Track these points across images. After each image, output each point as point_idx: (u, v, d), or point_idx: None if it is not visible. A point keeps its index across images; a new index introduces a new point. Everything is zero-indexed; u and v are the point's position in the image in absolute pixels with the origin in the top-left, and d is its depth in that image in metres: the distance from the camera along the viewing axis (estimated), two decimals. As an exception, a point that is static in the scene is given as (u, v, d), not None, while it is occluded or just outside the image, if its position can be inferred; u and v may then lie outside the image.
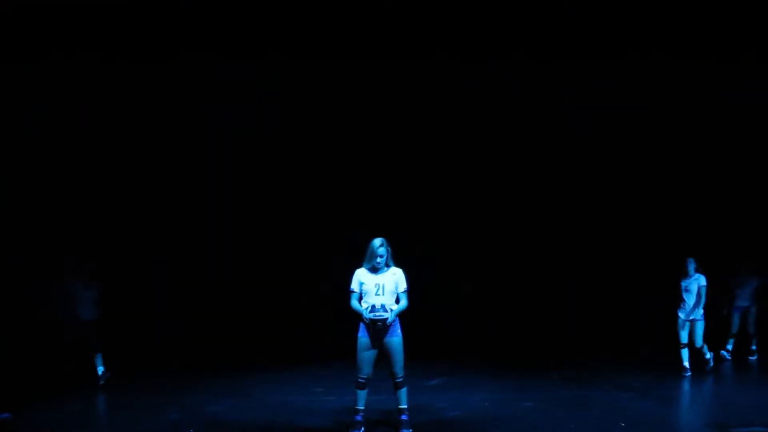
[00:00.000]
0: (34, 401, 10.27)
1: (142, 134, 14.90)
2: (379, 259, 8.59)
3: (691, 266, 12.30)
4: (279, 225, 15.70)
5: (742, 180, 15.77)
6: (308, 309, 14.90)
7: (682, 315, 12.36)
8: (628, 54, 13.75)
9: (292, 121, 15.22)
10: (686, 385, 11.49)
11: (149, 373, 11.01)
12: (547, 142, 15.64)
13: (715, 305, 13.29)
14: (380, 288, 8.58)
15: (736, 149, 15.48)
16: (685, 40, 13.35)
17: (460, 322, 15.24)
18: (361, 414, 8.74)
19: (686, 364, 12.16)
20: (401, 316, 8.67)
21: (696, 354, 12.28)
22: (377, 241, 8.63)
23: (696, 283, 12.25)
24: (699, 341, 12.27)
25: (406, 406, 8.75)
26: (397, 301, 8.67)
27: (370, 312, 8.45)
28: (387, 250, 8.65)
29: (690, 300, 12.27)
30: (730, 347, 13.69)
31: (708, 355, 12.42)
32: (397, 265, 8.76)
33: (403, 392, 8.72)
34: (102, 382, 11.68)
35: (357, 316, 8.63)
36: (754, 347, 13.82)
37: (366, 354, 8.61)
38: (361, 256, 8.74)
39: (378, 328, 8.50)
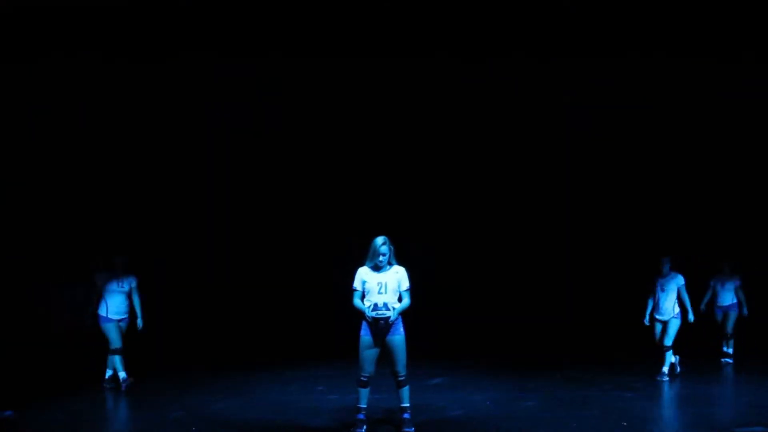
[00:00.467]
0: (36, 400, 10.24)
1: (142, 134, 14.91)
2: (381, 258, 8.57)
3: (667, 265, 11.94)
4: (279, 224, 15.72)
5: (735, 179, 15.80)
6: (310, 307, 14.91)
7: (657, 315, 11.97)
8: (628, 54, 13.79)
9: (292, 121, 15.23)
10: (687, 385, 11.46)
11: (151, 372, 10.97)
12: (548, 142, 15.67)
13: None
14: (383, 286, 8.56)
15: (734, 149, 15.51)
16: (685, 40, 13.37)
17: (461, 321, 15.26)
18: (363, 412, 8.72)
19: (665, 368, 11.77)
20: (404, 314, 8.65)
21: (662, 352, 11.84)
22: (379, 240, 8.61)
23: (673, 282, 11.86)
24: (669, 340, 11.84)
25: (408, 405, 8.72)
26: (400, 300, 8.66)
27: (373, 310, 8.43)
28: (389, 249, 8.63)
29: (665, 301, 11.86)
30: (730, 350, 13.37)
31: (673, 359, 11.99)
32: (400, 263, 8.76)
33: (405, 391, 8.70)
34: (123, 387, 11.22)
35: (359, 314, 8.61)
36: (730, 350, 13.42)
37: (368, 352, 8.59)
38: (363, 255, 8.74)
39: (380, 327, 8.48)
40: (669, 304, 11.86)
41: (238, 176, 15.53)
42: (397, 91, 14.65)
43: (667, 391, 11.02)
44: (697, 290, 13.02)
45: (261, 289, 15.15)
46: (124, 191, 15.11)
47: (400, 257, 8.75)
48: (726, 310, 13.45)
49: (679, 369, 12.08)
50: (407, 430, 8.61)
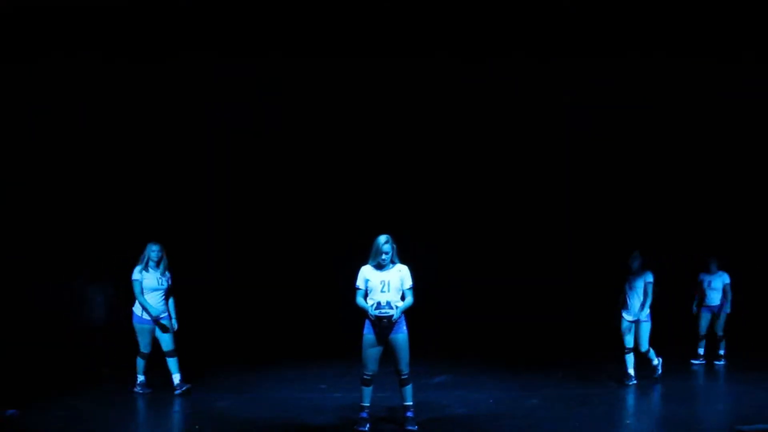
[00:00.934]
0: (41, 398, 10.22)
1: (142, 134, 14.89)
2: (384, 256, 8.55)
3: (636, 261, 11.20)
4: (280, 223, 15.71)
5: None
6: (313, 306, 14.91)
7: (626, 316, 11.22)
8: (628, 54, 13.83)
9: (292, 121, 15.23)
10: (690, 382, 11.48)
11: (154, 370, 10.96)
12: (547, 141, 15.68)
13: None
14: (386, 285, 8.56)
15: (733, 148, 15.53)
16: (685, 41, 13.41)
17: (463, 319, 15.27)
18: (367, 411, 8.71)
19: (631, 371, 11.14)
20: (407, 313, 8.66)
21: (643, 359, 11.27)
22: (382, 238, 8.60)
23: (642, 280, 11.13)
24: (644, 345, 11.16)
25: (411, 403, 8.72)
26: (403, 298, 8.66)
27: (376, 309, 8.42)
28: (392, 247, 8.61)
29: (634, 299, 11.17)
30: (702, 351, 12.89)
31: (655, 361, 11.34)
32: (403, 262, 8.76)
33: (409, 389, 8.70)
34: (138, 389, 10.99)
35: (362, 313, 8.61)
36: (722, 351, 12.87)
37: (371, 351, 8.59)
38: (365, 254, 8.74)
39: (383, 325, 8.47)
40: (636, 303, 11.19)
41: (238, 176, 15.51)
42: (398, 91, 14.72)
43: (671, 389, 11.00)
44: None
45: (263, 288, 15.13)
46: (124, 191, 15.06)
47: (403, 256, 8.74)
48: (715, 311, 12.87)
49: (660, 371, 11.39)
50: (410, 428, 8.62)
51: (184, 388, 10.42)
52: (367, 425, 8.66)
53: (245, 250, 15.52)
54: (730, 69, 13.92)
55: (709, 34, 13.26)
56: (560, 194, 16.01)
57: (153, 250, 10.57)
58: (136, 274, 10.50)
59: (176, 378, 10.52)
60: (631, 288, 11.20)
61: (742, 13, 12.80)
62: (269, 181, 15.65)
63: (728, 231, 15.48)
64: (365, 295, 8.64)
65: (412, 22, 13.17)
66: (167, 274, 10.65)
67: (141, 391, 10.54)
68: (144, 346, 10.56)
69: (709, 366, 12.71)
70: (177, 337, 10.66)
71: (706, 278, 12.87)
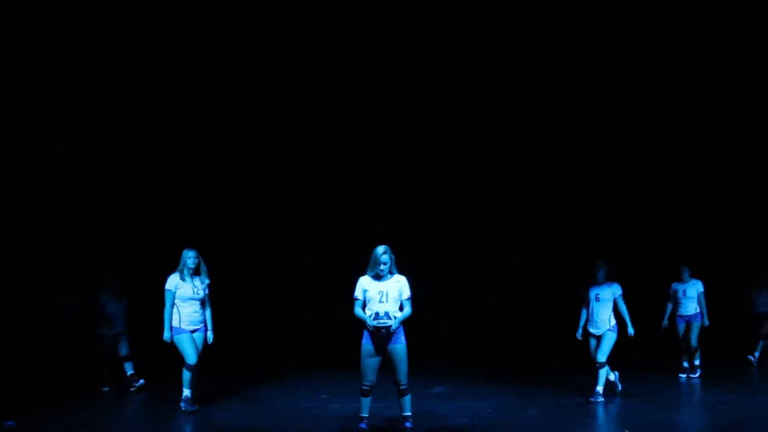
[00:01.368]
0: (40, 408, 10.24)
1: (142, 134, 14.85)
2: (382, 267, 8.56)
3: (602, 272, 10.65)
4: (282, 233, 15.69)
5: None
6: (312, 316, 14.91)
7: (591, 329, 10.66)
8: (628, 54, 13.90)
9: (291, 121, 15.23)
10: (690, 392, 11.44)
11: (155, 380, 10.98)
12: (547, 141, 15.67)
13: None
14: (384, 295, 8.56)
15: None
16: (684, 40, 13.45)
17: (462, 328, 15.26)
18: (366, 421, 8.71)
19: (599, 388, 10.50)
20: (405, 323, 8.65)
21: (596, 372, 10.63)
22: (380, 249, 8.60)
23: (609, 291, 10.56)
24: (603, 355, 10.49)
25: (410, 414, 8.71)
26: (401, 309, 8.66)
27: (374, 319, 8.42)
28: (390, 258, 8.62)
29: (599, 311, 10.54)
30: (686, 363, 12.43)
31: (612, 376, 10.81)
32: (401, 272, 8.76)
33: (408, 399, 8.69)
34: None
35: (361, 323, 8.61)
36: (697, 362, 12.39)
37: (370, 361, 8.59)
38: (365, 263, 8.74)
39: (382, 336, 8.47)
40: (604, 316, 10.54)
41: (237, 176, 15.50)
42: (398, 91, 14.78)
43: (668, 397, 10.98)
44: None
45: (263, 297, 15.16)
46: (123, 192, 15.06)
47: (401, 266, 8.75)
48: (689, 321, 12.38)
49: (620, 387, 10.90)
50: (409, 438, 8.62)
51: (191, 408, 9.98)
52: (367, 436, 8.66)
53: (247, 257, 15.51)
54: (731, 69, 13.94)
55: (709, 34, 13.30)
56: (560, 196, 16.02)
57: (189, 257, 10.00)
58: (170, 284, 9.95)
59: (186, 392, 10.06)
60: (597, 300, 10.59)
61: (742, 13, 12.86)
62: (269, 184, 15.62)
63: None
64: (363, 306, 8.64)
65: (412, 21, 13.25)
66: (206, 281, 10.10)
67: (186, 408, 9.96)
68: (189, 356, 9.94)
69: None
70: (206, 350, 10.21)
71: (679, 287, 12.46)
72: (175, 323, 9.93)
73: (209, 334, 10.16)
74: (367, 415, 8.72)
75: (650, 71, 14.43)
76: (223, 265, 14.18)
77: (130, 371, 11.67)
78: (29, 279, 13.87)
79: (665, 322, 12.54)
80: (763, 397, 10.89)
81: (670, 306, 12.57)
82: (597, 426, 9.32)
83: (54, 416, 9.86)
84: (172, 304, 9.92)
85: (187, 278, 9.97)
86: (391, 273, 8.66)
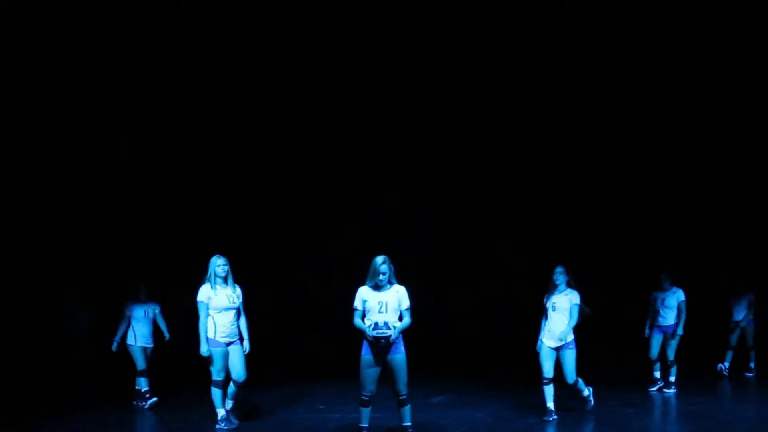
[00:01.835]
0: (39, 420, 10.23)
1: (142, 135, 14.83)
2: (381, 277, 8.56)
3: (561, 277, 9.88)
4: (280, 242, 15.64)
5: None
6: (311, 327, 14.91)
7: (547, 341, 9.89)
8: (628, 54, 13.87)
9: (291, 121, 15.20)
10: (688, 401, 11.37)
11: (155, 391, 10.97)
12: (547, 141, 15.65)
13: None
14: (383, 305, 8.57)
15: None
16: (684, 40, 13.42)
17: (462, 338, 15.26)
18: (366, 431, 8.75)
19: (550, 404, 9.89)
20: (404, 333, 8.66)
21: (573, 391, 10.13)
22: (379, 259, 8.61)
23: (567, 299, 9.80)
24: (572, 375, 9.81)
25: (410, 424, 8.72)
26: (400, 319, 8.67)
27: (374, 330, 8.42)
28: (389, 268, 8.63)
29: (558, 321, 9.79)
30: (657, 374, 11.86)
31: (586, 392, 10.12)
32: (400, 282, 8.77)
33: (407, 410, 8.69)
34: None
35: (360, 333, 8.62)
36: (672, 378, 11.78)
37: (369, 371, 8.60)
38: (364, 272, 8.74)
39: (381, 346, 8.48)
40: (560, 327, 9.79)
41: (237, 176, 15.48)
42: (398, 92, 14.74)
43: (669, 407, 10.98)
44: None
45: (262, 308, 15.14)
46: (123, 192, 15.04)
47: (399, 275, 8.76)
48: (667, 332, 11.73)
49: (592, 402, 10.23)
50: (409, 449, 8.65)
51: (232, 426, 9.49)
52: (366, 446, 8.68)
53: (245, 267, 15.48)
54: (731, 69, 13.93)
55: (709, 34, 13.27)
56: (559, 199, 16.00)
57: (218, 265, 9.37)
58: (202, 295, 9.29)
59: (220, 412, 9.49)
60: (555, 309, 9.84)
61: (741, 13, 12.83)
62: (269, 184, 15.58)
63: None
64: (363, 316, 8.65)
65: (411, 22, 13.21)
66: (238, 289, 9.52)
67: (226, 427, 9.45)
68: (217, 372, 9.35)
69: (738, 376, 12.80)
70: (248, 362, 9.59)
71: (659, 296, 11.78)
72: (210, 335, 9.27)
73: (246, 344, 9.56)
74: (367, 425, 8.73)
75: (650, 71, 14.37)
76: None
77: (144, 387, 11.08)
78: (40, 290, 13.93)
79: (647, 331, 11.94)
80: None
81: (650, 317, 11.96)
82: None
83: (52, 428, 9.82)
84: (207, 316, 9.28)
85: (220, 287, 9.35)
86: (390, 283, 8.66)
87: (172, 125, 14.81)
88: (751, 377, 13.18)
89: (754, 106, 14.63)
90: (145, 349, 11.13)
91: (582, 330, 9.92)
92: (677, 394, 11.64)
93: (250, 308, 9.47)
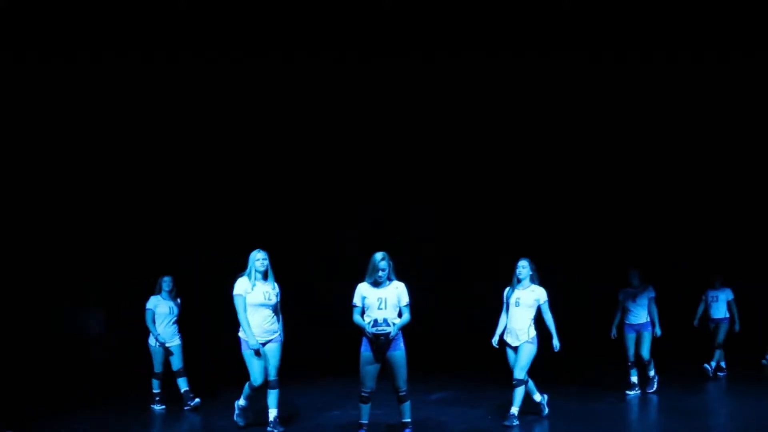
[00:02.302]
0: (41, 418, 10.27)
1: (142, 135, 14.83)
2: (380, 273, 8.56)
3: (526, 271, 9.42)
4: (281, 239, 15.64)
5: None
6: (311, 324, 14.88)
7: (508, 339, 9.46)
8: (628, 54, 13.87)
9: (292, 121, 15.20)
10: (691, 397, 11.35)
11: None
12: (547, 141, 15.65)
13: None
14: (382, 302, 8.56)
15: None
16: (684, 40, 13.43)
17: (461, 334, 15.23)
18: (365, 428, 8.72)
19: (515, 409, 9.43)
20: (404, 330, 8.65)
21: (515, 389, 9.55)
22: (379, 255, 8.61)
23: (532, 296, 9.39)
24: (521, 372, 9.41)
25: (410, 420, 8.72)
26: (400, 315, 8.66)
27: (373, 326, 8.42)
28: (389, 264, 8.62)
29: (518, 318, 9.36)
30: (635, 378, 11.36)
31: (538, 397, 9.76)
32: (399, 278, 8.76)
33: (407, 406, 8.69)
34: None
35: (360, 330, 8.62)
36: (652, 373, 11.33)
37: (369, 368, 8.59)
38: (363, 270, 8.74)
39: (381, 342, 8.48)
40: (523, 324, 9.38)
41: (236, 177, 15.47)
42: (398, 92, 14.72)
43: (672, 404, 10.93)
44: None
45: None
46: (123, 193, 15.05)
47: (399, 274, 8.75)
48: (639, 330, 11.31)
49: (547, 411, 9.86)
50: (409, 445, 8.63)
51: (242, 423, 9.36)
52: (366, 443, 8.66)
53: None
54: (730, 69, 13.93)
55: (709, 34, 13.28)
56: (558, 198, 16.00)
57: (258, 259, 9.03)
58: (239, 288, 8.95)
59: (272, 413, 9.13)
60: (518, 305, 9.40)
61: (741, 13, 12.83)
62: (269, 184, 15.58)
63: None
64: (362, 313, 8.64)
65: (411, 21, 13.22)
66: (276, 287, 9.16)
67: (241, 423, 9.37)
68: (255, 377, 8.99)
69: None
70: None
71: (629, 293, 11.40)
72: (243, 335, 8.97)
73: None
74: (366, 421, 8.73)
75: (650, 71, 14.37)
76: (219, 267, 14.33)
77: (184, 387, 10.77)
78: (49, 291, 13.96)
79: (614, 331, 11.52)
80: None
81: (619, 314, 11.53)
82: (597, 432, 9.32)
83: (53, 427, 9.87)
84: (246, 310, 8.91)
85: (258, 282, 9.01)
86: (389, 279, 8.67)
87: (172, 125, 14.81)
88: (710, 375, 12.64)
89: (754, 106, 14.59)
90: (167, 349, 10.80)
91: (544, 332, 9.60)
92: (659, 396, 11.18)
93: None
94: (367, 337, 8.54)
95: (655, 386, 11.33)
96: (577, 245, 15.43)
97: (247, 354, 8.93)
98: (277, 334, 9.09)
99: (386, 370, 8.61)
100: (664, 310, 11.56)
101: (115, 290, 13.24)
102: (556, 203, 15.96)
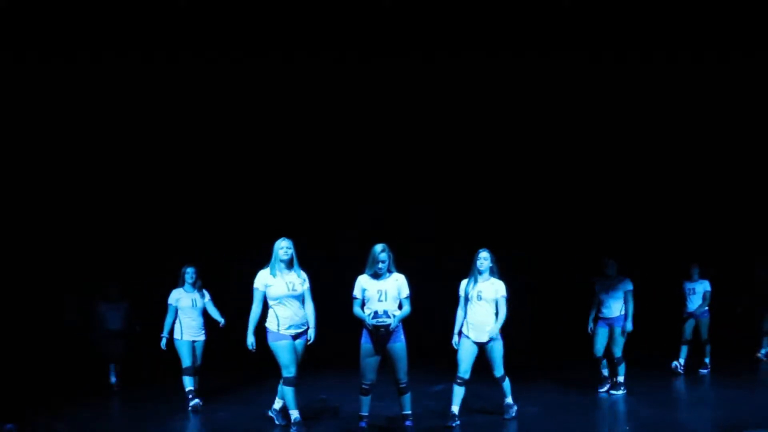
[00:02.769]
0: (41, 411, 10.27)
1: (142, 135, 14.82)
2: (380, 265, 8.57)
3: (486, 263, 9.06)
4: (278, 231, 15.62)
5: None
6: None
7: (471, 335, 9.12)
8: (628, 54, 13.89)
9: (292, 121, 15.20)
10: (690, 389, 11.35)
11: (155, 381, 10.96)
12: (546, 141, 15.65)
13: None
14: (383, 294, 8.57)
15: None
16: (684, 40, 13.45)
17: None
18: (366, 420, 8.73)
19: (455, 408, 9.21)
20: (404, 321, 8.65)
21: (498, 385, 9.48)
22: (379, 247, 8.61)
23: (493, 288, 9.08)
24: (499, 369, 9.26)
25: (410, 412, 8.73)
26: (400, 307, 8.65)
27: (373, 318, 8.42)
28: (389, 256, 8.64)
29: (480, 312, 9.05)
30: (606, 372, 10.93)
31: (509, 399, 9.50)
32: (399, 270, 8.75)
33: (407, 398, 8.70)
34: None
35: (360, 322, 8.61)
36: (621, 377, 10.73)
37: (369, 360, 8.59)
38: (363, 262, 8.73)
39: (381, 334, 8.49)
40: (488, 318, 9.07)
41: (236, 177, 15.47)
42: (398, 92, 14.73)
43: (670, 395, 10.94)
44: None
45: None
46: (123, 193, 15.04)
47: (399, 263, 8.75)
48: (612, 324, 10.73)
49: (513, 413, 9.52)
50: (409, 437, 8.60)
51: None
52: (366, 435, 8.64)
53: (244, 257, 15.46)
54: (730, 69, 13.94)
55: (708, 34, 13.29)
56: (557, 194, 15.99)
57: (281, 248, 8.87)
58: (258, 282, 8.77)
59: (294, 414, 8.82)
60: (480, 298, 9.06)
61: (741, 13, 12.85)
62: (269, 184, 15.57)
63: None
64: (362, 305, 8.63)
65: (411, 21, 13.24)
66: (303, 275, 8.94)
67: (280, 422, 9.30)
68: (288, 368, 8.76)
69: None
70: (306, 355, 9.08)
71: (604, 284, 10.89)
72: (272, 327, 8.71)
73: (311, 332, 8.95)
74: (367, 413, 8.74)
75: (650, 71, 14.39)
76: (217, 264, 14.33)
77: (189, 386, 10.49)
78: (39, 286, 13.95)
79: (591, 325, 10.95)
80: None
81: (595, 308, 10.99)
82: (599, 424, 9.28)
83: (54, 418, 9.86)
84: (259, 305, 8.75)
85: (283, 273, 8.78)
86: (389, 271, 8.69)
87: (171, 125, 14.80)
88: (705, 374, 12.35)
89: (753, 106, 14.60)
90: (193, 343, 10.62)
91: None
92: (626, 398, 10.70)
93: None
94: (368, 329, 8.54)
95: (623, 390, 10.74)
96: (576, 245, 15.34)
97: (276, 346, 8.70)
98: (305, 328, 8.90)
99: (387, 362, 8.61)
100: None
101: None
102: (556, 202, 15.92)
